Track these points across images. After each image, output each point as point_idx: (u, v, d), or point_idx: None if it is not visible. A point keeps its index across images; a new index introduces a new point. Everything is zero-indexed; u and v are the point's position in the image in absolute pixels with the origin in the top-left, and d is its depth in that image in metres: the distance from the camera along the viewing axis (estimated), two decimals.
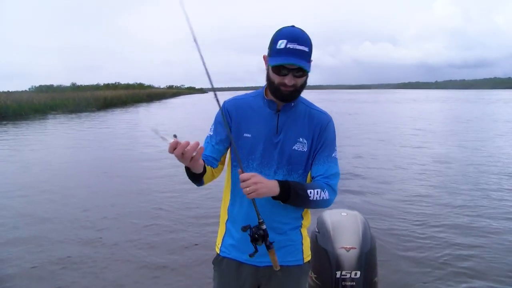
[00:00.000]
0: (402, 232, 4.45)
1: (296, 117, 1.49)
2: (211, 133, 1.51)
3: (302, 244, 1.55)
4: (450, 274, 3.47)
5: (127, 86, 68.45)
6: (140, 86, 77.79)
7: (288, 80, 1.36)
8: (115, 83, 73.06)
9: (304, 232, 1.56)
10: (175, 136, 1.15)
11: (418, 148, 10.68)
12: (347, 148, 10.23)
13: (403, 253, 3.90)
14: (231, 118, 1.49)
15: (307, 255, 1.56)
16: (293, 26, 1.38)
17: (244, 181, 1.28)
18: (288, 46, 1.33)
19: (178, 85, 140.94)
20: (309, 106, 1.54)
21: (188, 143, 1.15)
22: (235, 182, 1.50)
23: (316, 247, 2.05)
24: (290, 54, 1.32)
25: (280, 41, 1.34)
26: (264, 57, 1.45)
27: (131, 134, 14.63)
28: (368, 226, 2.13)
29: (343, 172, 7.24)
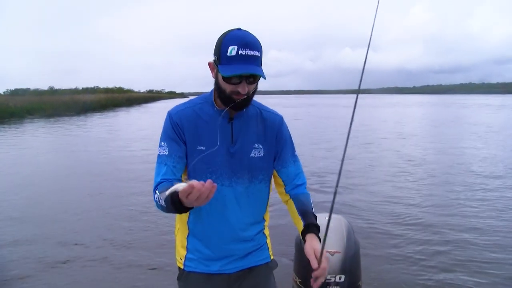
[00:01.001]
0: (385, 235, 4.51)
1: (249, 122, 1.44)
2: (166, 153, 1.34)
3: (267, 244, 1.56)
4: (433, 280, 3.50)
5: (106, 90, 67.15)
6: (120, 90, 76.38)
7: (242, 89, 1.27)
8: (94, 87, 71.83)
9: (267, 232, 1.57)
10: (186, 179, 1.05)
11: (397, 151, 10.88)
12: (331, 152, 10.40)
13: (387, 256, 3.94)
14: (183, 130, 1.36)
15: (271, 252, 1.58)
16: (239, 29, 1.29)
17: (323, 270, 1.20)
18: (240, 52, 1.23)
19: (159, 89, 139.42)
20: (259, 107, 1.49)
21: (202, 185, 1.01)
22: None
23: (301, 251, 2.03)
24: (243, 61, 1.23)
25: (230, 48, 1.24)
26: (209, 64, 1.35)
27: (111, 138, 14.43)
28: (352, 230, 2.13)
29: (325, 175, 7.41)
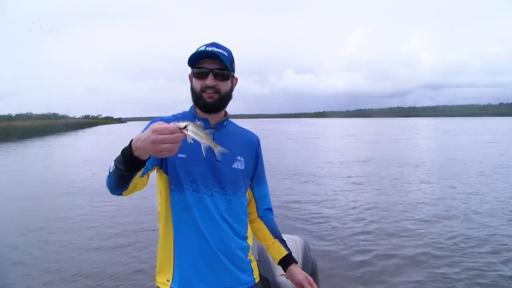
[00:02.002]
0: (341, 253, 4.52)
1: (229, 135, 1.47)
2: None
3: (252, 268, 1.52)
4: None
5: (42, 117, 65.99)
6: (54, 116, 75.29)
7: (209, 81, 1.36)
8: (27, 113, 69.47)
9: (251, 255, 1.54)
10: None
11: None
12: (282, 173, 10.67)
13: (345, 273, 3.96)
14: None
15: (257, 276, 1.54)
16: None
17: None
18: (207, 48, 1.36)
19: (95, 115, 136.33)
20: (238, 126, 1.57)
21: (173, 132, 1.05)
22: (179, 210, 1.39)
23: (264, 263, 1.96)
24: (208, 50, 1.35)
25: (199, 47, 1.37)
26: (189, 76, 1.43)
27: (62, 162, 14.76)
28: (309, 249, 2.08)
29: (281, 196, 7.71)
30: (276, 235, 1.56)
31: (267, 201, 1.62)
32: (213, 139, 1.26)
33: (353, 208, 6.71)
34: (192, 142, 1.10)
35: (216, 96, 1.36)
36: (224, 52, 1.37)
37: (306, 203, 7.19)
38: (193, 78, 1.39)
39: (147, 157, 1.11)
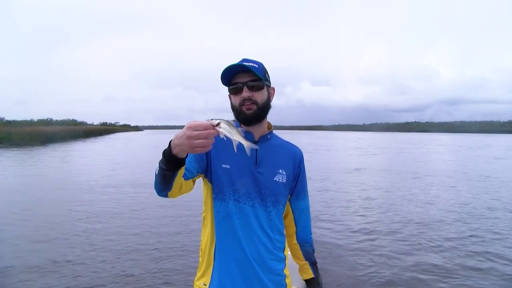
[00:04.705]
0: (347, 266, 4.53)
1: (273, 148, 1.48)
2: None
3: (286, 283, 1.54)
4: None
5: (62, 122, 67.68)
6: (74, 122, 77.07)
7: (244, 93, 1.38)
8: (48, 119, 71.08)
9: (287, 270, 1.56)
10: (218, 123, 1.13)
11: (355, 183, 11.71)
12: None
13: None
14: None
15: None
16: None
17: None
18: (238, 63, 1.39)
19: (112, 122, 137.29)
20: (282, 139, 1.59)
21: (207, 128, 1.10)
22: (220, 218, 1.43)
23: None
24: (239, 63, 1.38)
25: (232, 63, 1.40)
26: (228, 96, 1.48)
27: (93, 166, 15.38)
28: None
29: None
30: (308, 257, 1.62)
31: (305, 216, 1.62)
32: (256, 152, 1.41)
33: (365, 225, 6.76)
34: (224, 138, 1.16)
35: (254, 107, 1.41)
36: (255, 65, 1.41)
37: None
38: (231, 95, 1.45)
39: (185, 155, 1.17)
